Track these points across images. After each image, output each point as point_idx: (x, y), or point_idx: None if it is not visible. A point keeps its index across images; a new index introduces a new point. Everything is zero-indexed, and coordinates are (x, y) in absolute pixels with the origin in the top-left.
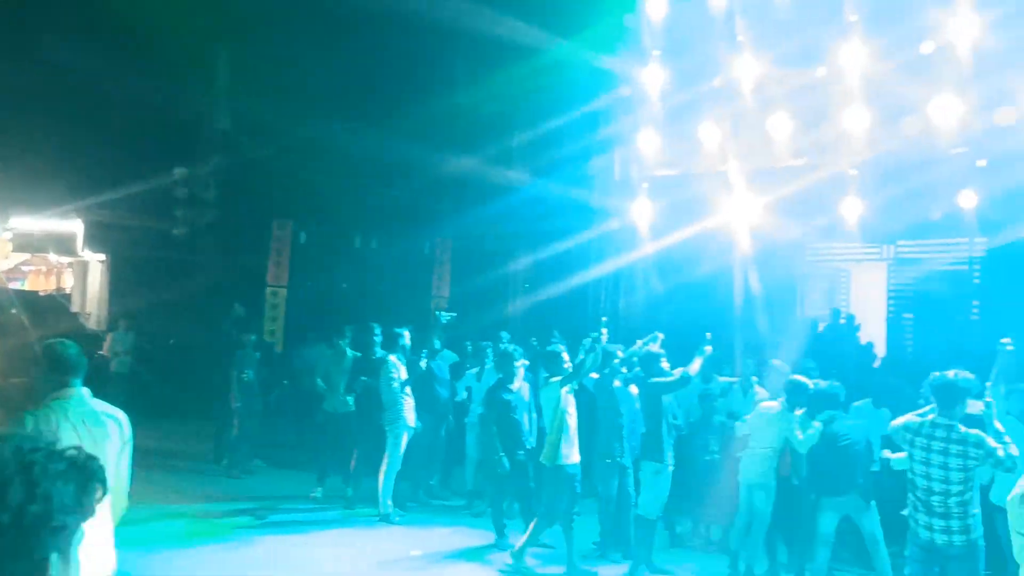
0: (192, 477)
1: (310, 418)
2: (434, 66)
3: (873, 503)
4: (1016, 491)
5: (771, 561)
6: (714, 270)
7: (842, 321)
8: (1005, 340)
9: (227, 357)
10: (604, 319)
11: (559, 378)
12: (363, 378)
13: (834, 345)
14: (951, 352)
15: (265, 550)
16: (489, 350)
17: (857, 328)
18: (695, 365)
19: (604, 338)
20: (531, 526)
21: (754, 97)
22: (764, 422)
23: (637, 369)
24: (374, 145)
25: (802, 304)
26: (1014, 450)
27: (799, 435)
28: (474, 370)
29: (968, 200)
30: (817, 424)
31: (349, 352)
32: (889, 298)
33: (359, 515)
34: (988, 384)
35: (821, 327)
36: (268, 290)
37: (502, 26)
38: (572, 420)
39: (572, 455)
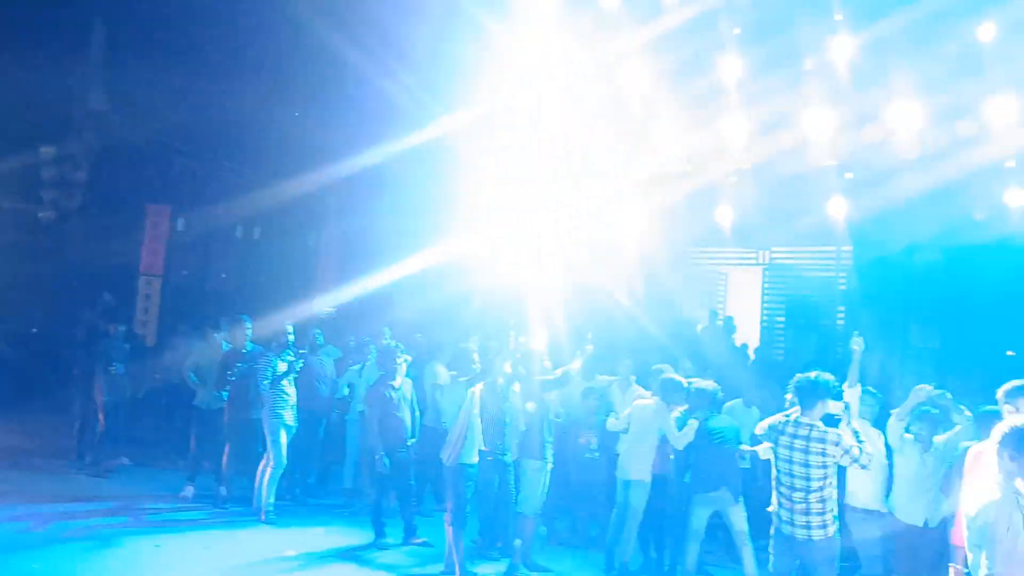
0: (52, 476)
1: (181, 414)
2: (326, 54)
3: (741, 499)
4: (973, 510)
5: (645, 557)
6: (600, 271)
7: (719, 323)
8: (856, 340)
9: (93, 348)
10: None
11: (466, 377)
12: (237, 368)
13: (711, 346)
14: (818, 354)
15: (130, 553)
16: (372, 346)
17: (733, 330)
18: (576, 364)
19: (514, 341)
20: (450, 536)
21: (641, 105)
22: (640, 420)
23: (520, 367)
24: (260, 131)
25: (682, 306)
26: (869, 448)
27: (676, 432)
28: (357, 366)
29: (837, 210)
30: (694, 422)
31: (224, 345)
32: (763, 302)
33: (231, 515)
34: (844, 386)
35: (699, 328)
36: (141, 279)
37: (394, 20)
38: (478, 420)
39: (474, 455)
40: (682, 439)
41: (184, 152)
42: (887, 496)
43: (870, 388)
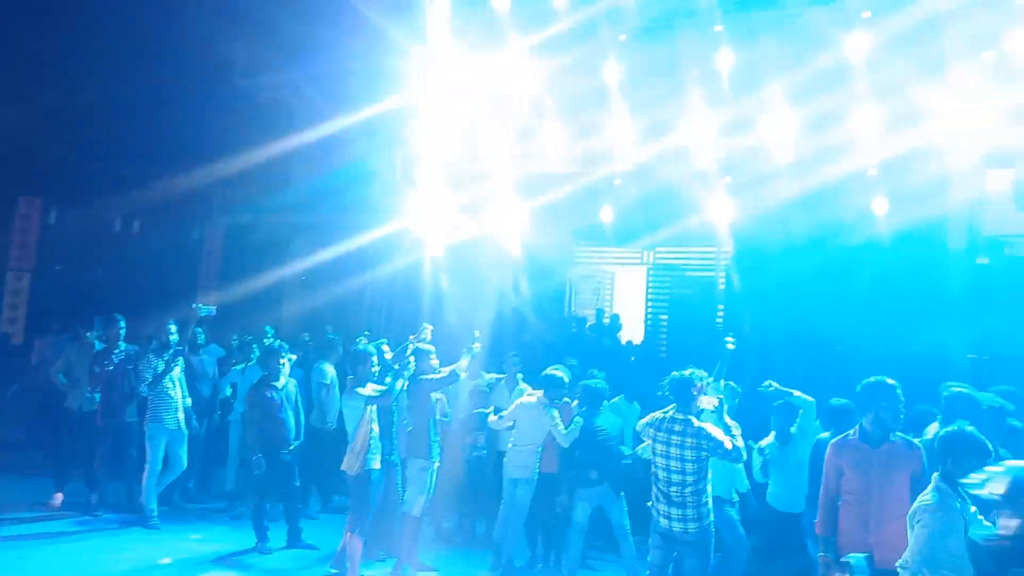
0: None
1: (50, 417)
2: (211, 46)
3: (622, 494)
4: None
5: (532, 552)
6: (489, 270)
7: (606, 321)
8: (728, 339)
9: None
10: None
11: (368, 391)
12: (108, 370)
13: (597, 343)
14: (698, 352)
15: None
16: (255, 345)
17: (619, 328)
18: (463, 362)
19: (427, 334)
20: (351, 544)
21: (529, 104)
22: (525, 417)
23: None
24: (142, 122)
25: (570, 304)
26: (740, 443)
27: (561, 430)
28: (239, 366)
29: (717, 212)
30: (579, 419)
31: (97, 344)
32: (647, 300)
33: (103, 523)
34: (711, 381)
35: (587, 326)
36: (9, 274)
37: (284, 15)
38: (376, 427)
39: (376, 461)
40: (568, 437)
41: (58, 143)
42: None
43: (731, 383)
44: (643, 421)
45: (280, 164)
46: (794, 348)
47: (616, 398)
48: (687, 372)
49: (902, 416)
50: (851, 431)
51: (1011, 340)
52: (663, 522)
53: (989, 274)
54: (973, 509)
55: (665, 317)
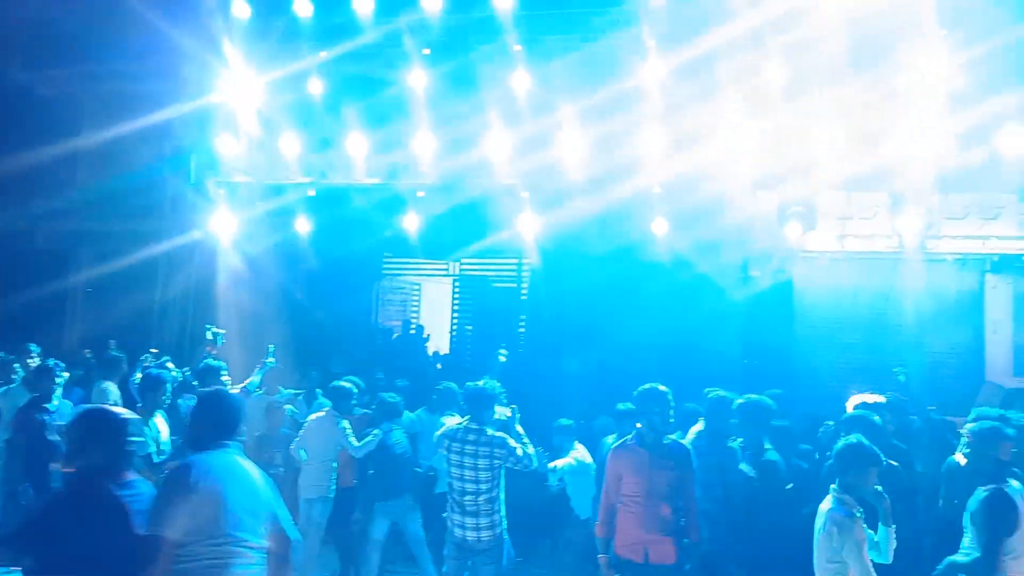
0: None
1: None
2: None
3: (418, 506)
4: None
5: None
6: (292, 283)
7: (412, 332)
8: (502, 351)
9: None
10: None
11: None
12: None
13: (404, 355)
14: (505, 362)
15: None
16: (17, 364)
17: (426, 339)
18: (254, 377)
19: (214, 342)
20: None
21: (330, 115)
22: (315, 433)
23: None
24: None
25: (378, 315)
26: (531, 450)
27: (353, 443)
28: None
29: (519, 226)
30: (376, 433)
31: None
32: (454, 311)
33: None
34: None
35: (394, 337)
36: None
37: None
38: None
39: None
40: (362, 450)
41: None
42: None
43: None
44: (438, 433)
45: (62, 166)
46: (589, 356)
47: (419, 409)
48: (480, 383)
49: (671, 420)
50: (629, 436)
51: (776, 346)
52: (458, 532)
53: (760, 286)
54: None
55: (471, 327)
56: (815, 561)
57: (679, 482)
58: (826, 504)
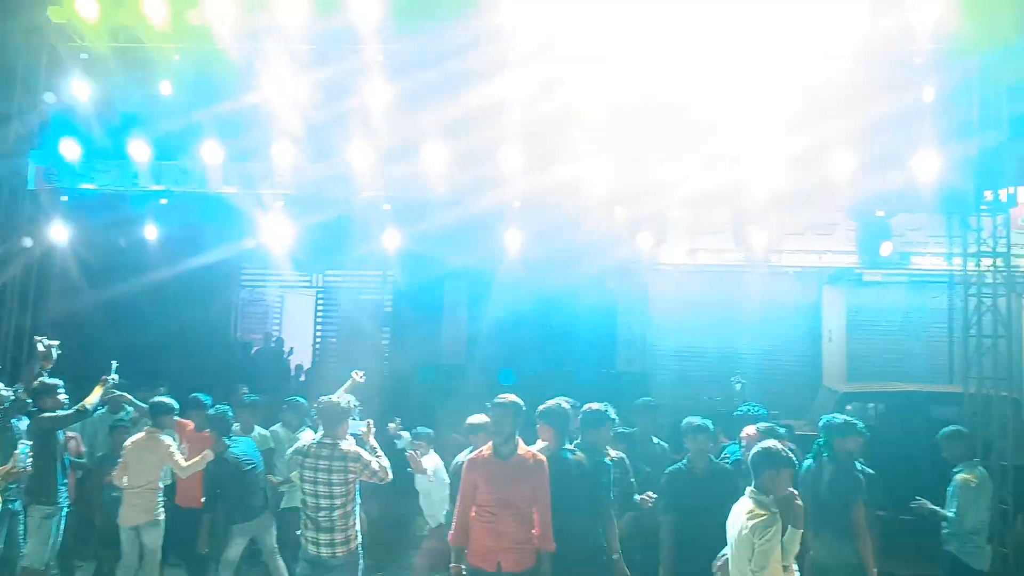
0: None
1: None
2: None
3: (274, 520)
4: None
5: None
6: (140, 292)
7: (273, 344)
8: (357, 374)
9: None
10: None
11: None
12: None
13: (264, 368)
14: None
15: None
16: None
17: (288, 351)
18: (94, 396)
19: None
20: None
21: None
22: (134, 455)
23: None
24: None
25: (237, 328)
26: (385, 463)
27: (181, 462)
28: None
29: (383, 239)
30: (208, 453)
31: None
32: (317, 323)
33: None
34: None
35: (254, 350)
36: None
37: None
38: None
39: None
40: (189, 469)
41: None
42: None
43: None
44: (291, 449)
45: None
46: (452, 368)
47: (276, 425)
48: (334, 397)
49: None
50: (485, 447)
51: (634, 356)
52: (311, 549)
53: (619, 297)
54: None
55: (335, 340)
56: (733, 560)
57: (533, 493)
58: (743, 505)
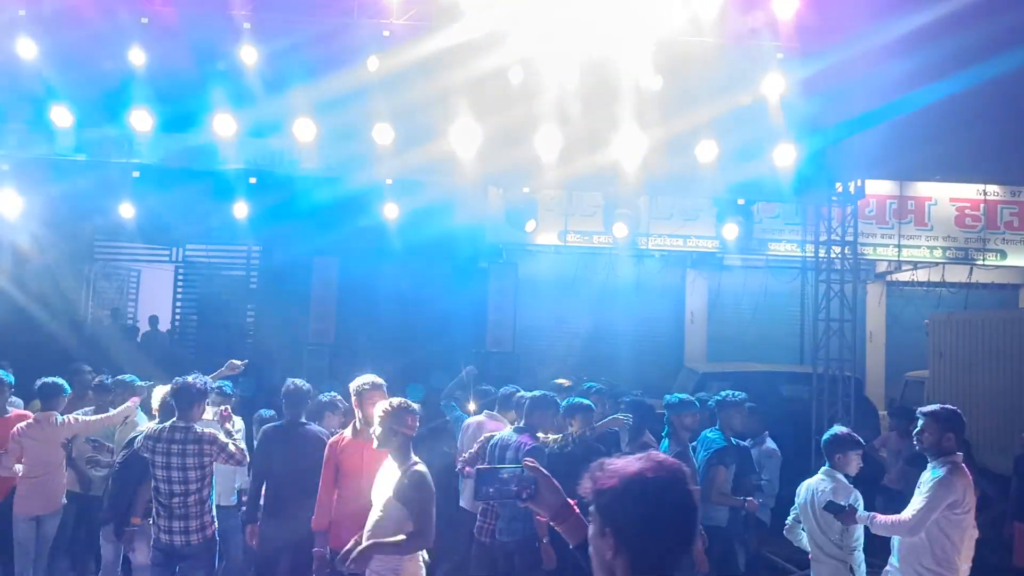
0: None
1: None
2: None
3: None
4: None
5: None
6: None
7: (129, 321)
8: (236, 362)
9: None
10: None
11: None
12: None
13: (116, 346)
14: (228, 352)
15: None
16: None
17: (148, 330)
18: None
19: None
20: None
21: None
22: (31, 442)
23: None
24: None
25: (89, 303)
26: (242, 446)
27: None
28: None
29: (247, 213)
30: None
31: None
32: (176, 299)
33: None
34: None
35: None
36: None
37: None
38: None
39: None
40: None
41: None
42: None
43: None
44: (140, 435)
45: None
46: (321, 348)
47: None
48: (189, 379)
49: None
50: (347, 429)
51: (506, 337)
52: (164, 538)
53: (490, 277)
54: None
55: (195, 316)
56: (813, 532)
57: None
58: (820, 482)
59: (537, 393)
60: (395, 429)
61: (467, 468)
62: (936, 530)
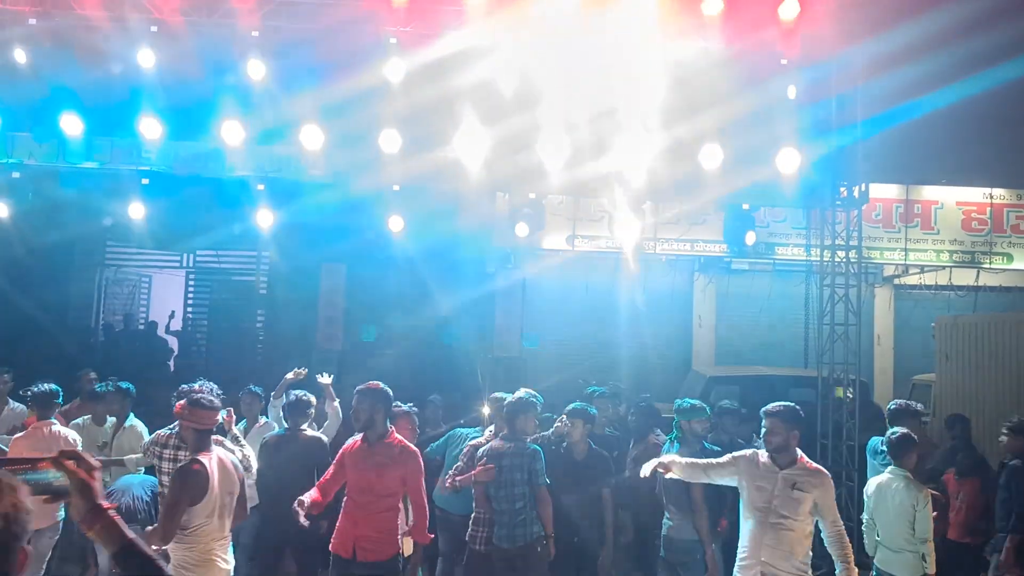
0: None
1: None
2: None
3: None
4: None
5: None
6: None
7: (141, 327)
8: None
9: None
10: None
11: None
12: None
13: (130, 350)
14: (238, 357)
15: None
16: None
17: (162, 335)
18: None
19: None
20: None
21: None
22: (32, 450)
23: None
24: None
25: (100, 310)
26: (248, 451)
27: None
28: None
29: (258, 219)
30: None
31: None
32: (187, 304)
33: None
34: None
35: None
36: None
37: None
38: None
39: None
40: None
41: None
42: None
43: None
44: (147, 440)
45: None
46: (329, 353)
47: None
48: (196, 385)
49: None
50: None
51: (512, 343)
52: None
53: (498, 282)
54: None
55: (206, 322)
56: (887, 529)
57: (400, 480)
58: (890, 481)
59: (515, 397)
60: (185, 424)
61: (457, 480)
62: None
